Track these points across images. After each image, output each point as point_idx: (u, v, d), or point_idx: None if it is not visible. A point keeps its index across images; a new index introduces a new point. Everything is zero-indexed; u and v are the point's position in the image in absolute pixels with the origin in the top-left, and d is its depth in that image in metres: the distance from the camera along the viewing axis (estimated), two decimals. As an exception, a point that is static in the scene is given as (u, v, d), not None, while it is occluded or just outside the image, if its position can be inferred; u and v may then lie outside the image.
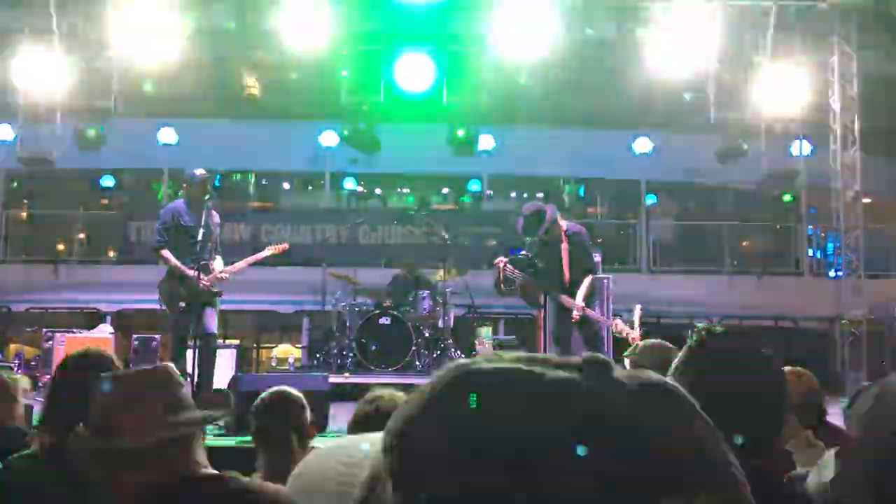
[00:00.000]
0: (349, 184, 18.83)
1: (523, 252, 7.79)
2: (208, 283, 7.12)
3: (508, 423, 0.74)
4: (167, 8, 11.85)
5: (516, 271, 7.51)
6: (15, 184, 16.58)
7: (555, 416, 0.75)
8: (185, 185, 7.43)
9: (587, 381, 0.77)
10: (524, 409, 0.75)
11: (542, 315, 8.25)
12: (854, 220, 12.63)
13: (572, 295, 7.29)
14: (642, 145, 15.57)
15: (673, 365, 1.69)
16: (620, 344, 9.02)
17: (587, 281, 7.36)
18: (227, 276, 7.31)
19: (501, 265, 7.54)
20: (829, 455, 1.78)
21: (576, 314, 7.23)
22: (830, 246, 15.40)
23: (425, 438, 0.76)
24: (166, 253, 7.13)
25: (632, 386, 0.79)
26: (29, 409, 3.77)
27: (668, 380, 0.83)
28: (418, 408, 0.79)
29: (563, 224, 7.44)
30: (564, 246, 7.34)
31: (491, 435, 0.74)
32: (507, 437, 0.73)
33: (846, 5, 12.17)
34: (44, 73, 11.68)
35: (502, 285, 7.70)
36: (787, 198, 15.38)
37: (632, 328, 7.12)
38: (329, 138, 15.23)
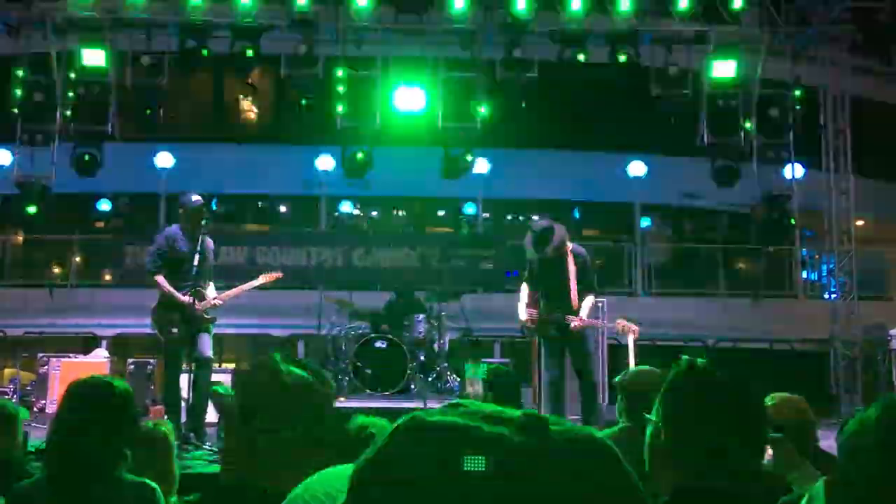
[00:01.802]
0: (345, 207, 18.92)
1: (524, 273, 7.77)
2: (202, 310, 7.13)
3: (443, 477, 0.82)
4: (165, 33, 11.98)
5: (534, 315, 7.47)
6: (11, 208, 16.59)
7: (484, 469, 0.82)
8: (180, 211, 7.45)
9: (520, 437, 0.83)
10: (458, 464, 0.82)
11: (538, 342, 8.25)
12: (847, 243, 12.70)
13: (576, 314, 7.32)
14: (636, 168, 15.69)
15: (657, 399, 1.72)
16: (617, 361, 9.06)
17: (590, 299, 7.40)
18: (221, 302, 7.33)
19: (530, 323, 7.53)
20: (820, 484, 1.80)
21: (575, 324, 7.24)
22: (825, 268, 15.47)
23: (375, 484, 0.86)
24: (160, 279, 7.15)
25: (563, 444, 0.84)
26: (24, 435, 3.78)
27: (605, 437, 0.88)
28: (374, 454, 0.87)
29: (570, 244, 7.44)
30: (571, 266, 7.33)
31: (428, 486, 0.81)
32: (442, 490, 0.81)
33: (836, 29, 12.32)
34: (42, 97, 11.76)
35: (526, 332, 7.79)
36: (788, 221, 15.35)
37: (629, 328, 7.17)
38: (325, 162, 15.32)
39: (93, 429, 2.46)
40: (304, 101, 13.35)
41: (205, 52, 11.94)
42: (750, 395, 1.68)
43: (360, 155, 12.52)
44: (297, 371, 1.78)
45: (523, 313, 7.50)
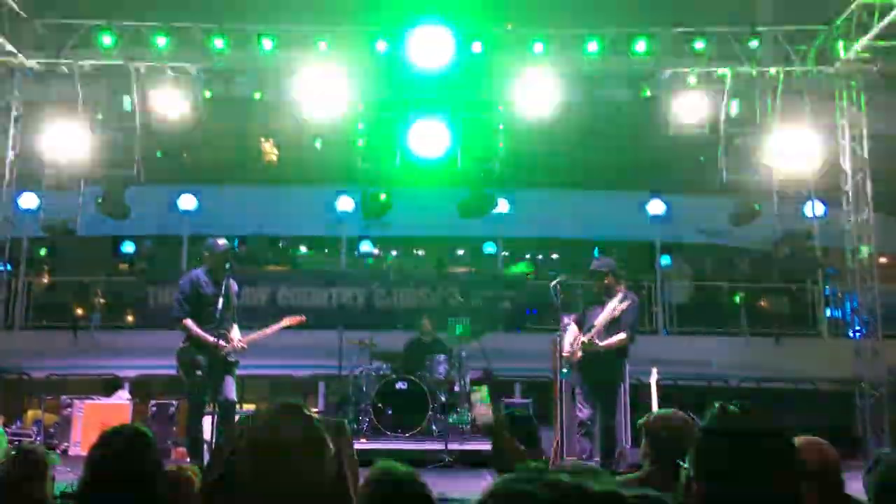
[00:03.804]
0: (365, 247, 19.03)
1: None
2: (228, 352, 7.20)
3: None
4: (189, 78, 12.22)
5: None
6: (37, 251, 16.84)
7: None
8: (205, 254, 7.54)
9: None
10: None
11: (558, 378, 8.26)
12: (870, 281, 12.58)
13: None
14: (656, 207, 15.69)
15: (692, 448, 1.71)
16: (639, 400, 8.99)
17: (620, 336, 7.47)
18: (245, 346, 7.39)
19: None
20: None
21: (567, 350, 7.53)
22: (848, 306, 15.31)
23: None
24: (189, 322, 7.22)
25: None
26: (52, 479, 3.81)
27: (629, 480, 0.91)
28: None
29: (621, 292, 7.65)
30: (611, 305, 7.45)
31: None
32: None
33: (853, 68, 12.35)
34: (68, 142, 11.99)
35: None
36: (813, 258, 15.24)
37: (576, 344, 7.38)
38: (345, 203, 15.46)
39: (125, 477, 2.50)
40: (310, 144, 13.50)
41: (227, 96, 12.17)
42: (785, 445, 1.67)
43: (380, 196, 12.63)
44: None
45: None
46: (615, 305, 7.39)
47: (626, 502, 0.88)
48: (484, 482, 8.28)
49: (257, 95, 12.19)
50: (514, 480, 0.92)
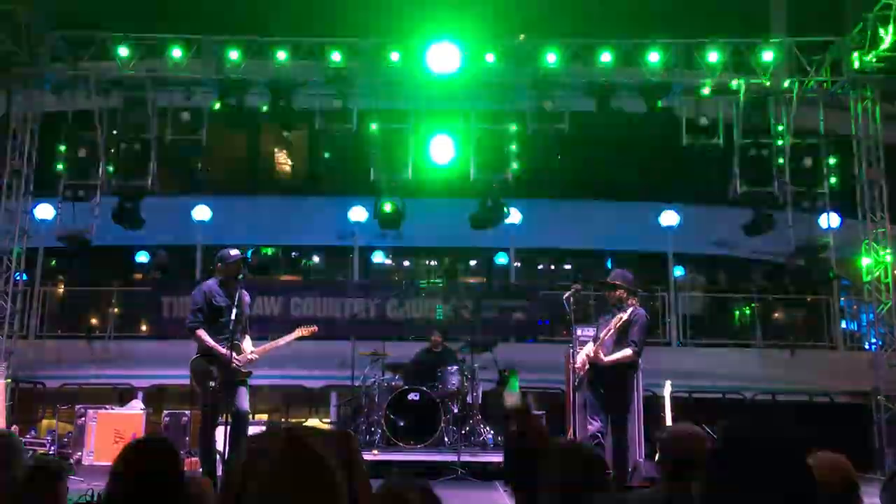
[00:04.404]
0: (377, 258, 19.07)
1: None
2: (240, 363, 7.22)
3: None
4: (204, 90, 12.32)
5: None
6: (53, 261, 16.97)
7: None
8: (218, 265, 7.57)
9: None
10: None
11: (571, 389, 8.25)
12: (886, 292, 12.49)
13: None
14: (669, 218, 15.65)
15: (703, 464, 1.70)
16: (652, 413, 8.95)
17: (626, 352, 7.46)
18: (257, 357, 7.41)
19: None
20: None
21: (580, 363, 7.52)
22: (864, 318, 15.19)
23: None
24: (202, 333, 7.24)
25: None
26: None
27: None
28: None
29: (632, 306, 7.58)
30: (621, 316, 7.44)
31: None
32: None
33: (866, 78, 12.31)
34: (85, 153, 12.10)
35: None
36: (827, 270, 15.14)
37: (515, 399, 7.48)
38: (358, 213, 15.50)
39: (151, 490, 2.52)
40: (326, 154, 13.55)
41: (241, 107, 12.25)
42: (799, 462, 1.65)
43: (391, 206, 12.66)
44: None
45: None
46: (620, 317, 7.38)
47: None
48: (496, 494, 8.25)
49: (270, 107, 12.24)
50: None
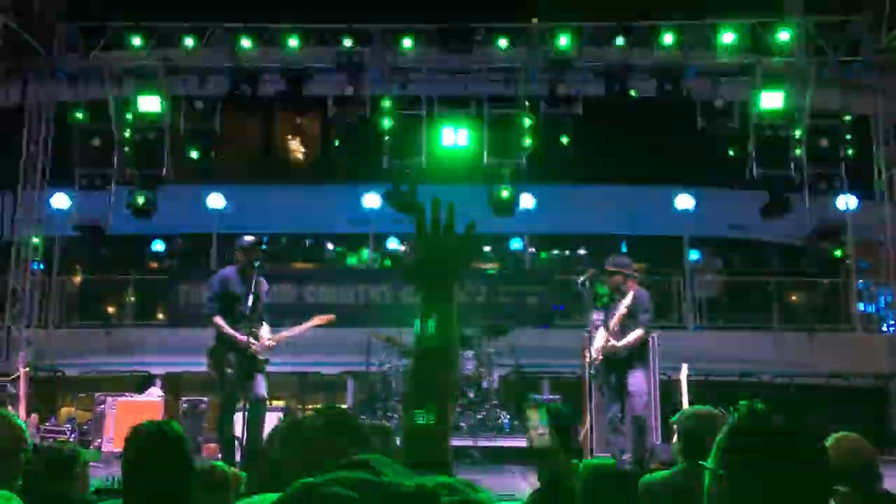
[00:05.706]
0: (392, 244, 19.07)
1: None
2: (258, 350, 7.24)
3: None
4: (216, 78, 12.33)
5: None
6: (69, 250, 17.08)
7: None
8: (235, 253, 7.59)
9: None
10: None
11: (587, 375, 8.24)
12: (904, 274, 12.40)
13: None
14: (684, 201, 15.55)
15: (715, 446, 1.69)
16: (669, 397, 8.93)
17: (637, 333, 7.45)
18: (274, 344, 7.44)
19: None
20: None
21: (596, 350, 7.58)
22: (882, 300, 15.08)
23: None
24: (219, 320, 7.26)
25: None
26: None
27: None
28: None
29: (632, 289, 7.60)
30: (623, 303, 7.44)
31: None
32: None
33: (885, 59, 12.16)
34: (99, 143, 12.16)
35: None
36: (836, 253, 15.08)
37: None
38: (372, 200, 15.49)
39: (160, 472, 2.54)
40: (336, 143, 13.50)
41: (254, 95, 12.25)
42: (815, 446, 1.64)
43: (406, 190, 12.65)
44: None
45: None
46: (625, 304, 7.43)
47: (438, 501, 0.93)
48: (513, 478, 8.26)
49: (284, 94, 12.24)
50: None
